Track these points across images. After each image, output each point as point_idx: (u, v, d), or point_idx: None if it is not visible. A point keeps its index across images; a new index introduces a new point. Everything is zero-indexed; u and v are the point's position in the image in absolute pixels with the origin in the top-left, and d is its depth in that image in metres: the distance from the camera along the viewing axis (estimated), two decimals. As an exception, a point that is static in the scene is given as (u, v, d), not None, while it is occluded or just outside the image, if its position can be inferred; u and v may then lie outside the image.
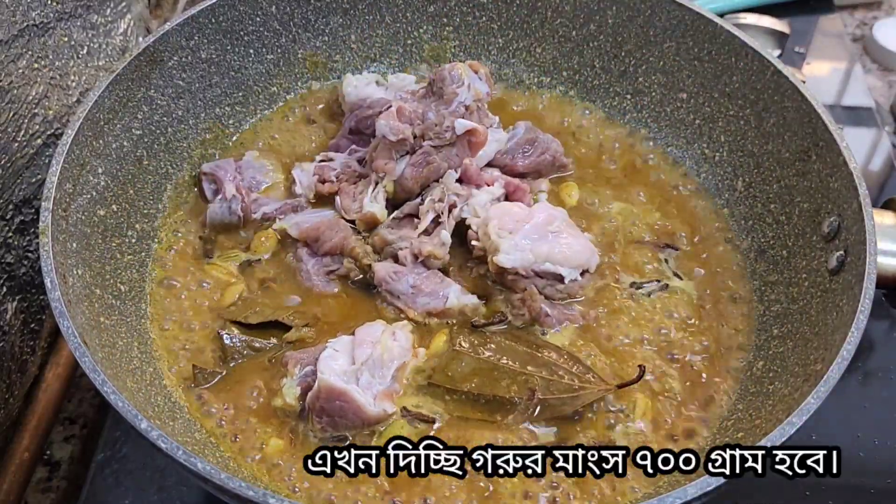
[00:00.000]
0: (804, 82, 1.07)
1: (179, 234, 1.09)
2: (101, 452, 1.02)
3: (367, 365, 0.92)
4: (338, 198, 1.10)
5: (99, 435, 1.05)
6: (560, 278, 1.02)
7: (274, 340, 0.99)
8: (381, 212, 1.07)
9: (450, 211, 1.05)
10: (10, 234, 1.04)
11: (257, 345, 0.99)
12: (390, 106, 1.08)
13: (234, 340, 0.98)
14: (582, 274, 1.04)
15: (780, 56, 1.49)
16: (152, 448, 0.75)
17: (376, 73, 1.24)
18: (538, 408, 0.92)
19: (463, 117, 1.10)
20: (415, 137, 1.07)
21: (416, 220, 1.06)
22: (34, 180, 1.07)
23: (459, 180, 1.09)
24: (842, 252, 0.95)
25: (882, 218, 1.07)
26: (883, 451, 1.06)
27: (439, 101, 1.11)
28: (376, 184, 1.08)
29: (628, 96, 1.24)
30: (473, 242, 1.04)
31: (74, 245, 0.94)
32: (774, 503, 1.02)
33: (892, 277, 1.07)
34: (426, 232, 1.04)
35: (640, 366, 0.94)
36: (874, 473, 1.04)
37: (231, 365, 0.97)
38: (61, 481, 1.11)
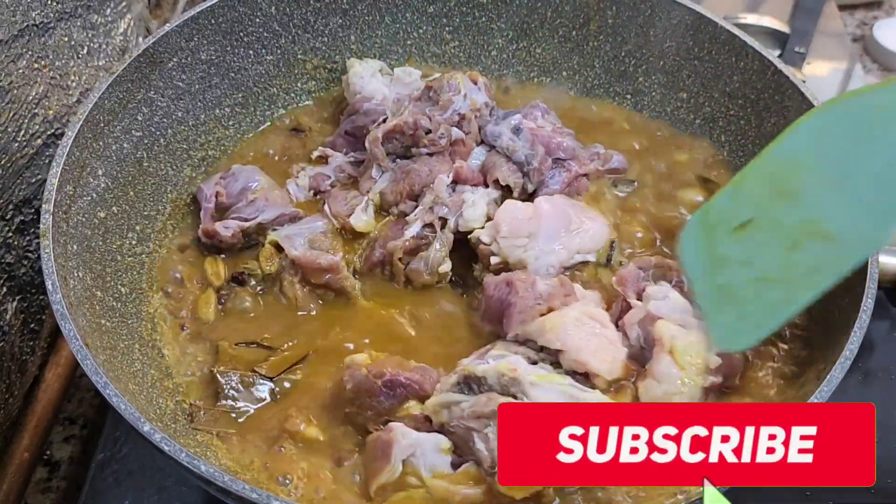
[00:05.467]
0: (804, 82, 1.07)
1: (179, 234, 1.09)
2: (101, 452, 1.02)
3: None
4: (326, 205, 1.09)
5: (99, 435, 1.05)
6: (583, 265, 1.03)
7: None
8: (366, 226, 1.07)
9: (442, 226, 1.04)
10: (10, 234, 1.04)
11: (253, 391, 0.94)
12: (385, 118, 1.09)
13: (229, 381, 0.94)
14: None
15: (780, 56, 1.49)
16: (154, 450, 0.75)
17: (382, 62, 1.23)
18: None
19: (458, 125, 1.10)
20: (407, 147, 1.08)
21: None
22: (34, 180, 1.07)
23: (455, 182, 1.09)
24: (842, 252, 0.94)
25: (882, 218, 1.07)
26: (883, 451, 1.05)
27: (434, 107, 1.11)
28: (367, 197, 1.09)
29: (628, 96, 1.24)
30: (492, 259, 1.01)
31: (75, 247, 0.93)
32: (775, 503, 1.02)
33: (892, 277, 1.07)
34: (419, 237, 1.04)
35: None
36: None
37: (225, 402, 0.93)
38: (61, 481, 1.11)
